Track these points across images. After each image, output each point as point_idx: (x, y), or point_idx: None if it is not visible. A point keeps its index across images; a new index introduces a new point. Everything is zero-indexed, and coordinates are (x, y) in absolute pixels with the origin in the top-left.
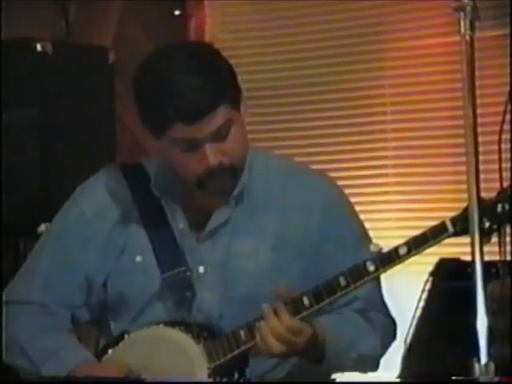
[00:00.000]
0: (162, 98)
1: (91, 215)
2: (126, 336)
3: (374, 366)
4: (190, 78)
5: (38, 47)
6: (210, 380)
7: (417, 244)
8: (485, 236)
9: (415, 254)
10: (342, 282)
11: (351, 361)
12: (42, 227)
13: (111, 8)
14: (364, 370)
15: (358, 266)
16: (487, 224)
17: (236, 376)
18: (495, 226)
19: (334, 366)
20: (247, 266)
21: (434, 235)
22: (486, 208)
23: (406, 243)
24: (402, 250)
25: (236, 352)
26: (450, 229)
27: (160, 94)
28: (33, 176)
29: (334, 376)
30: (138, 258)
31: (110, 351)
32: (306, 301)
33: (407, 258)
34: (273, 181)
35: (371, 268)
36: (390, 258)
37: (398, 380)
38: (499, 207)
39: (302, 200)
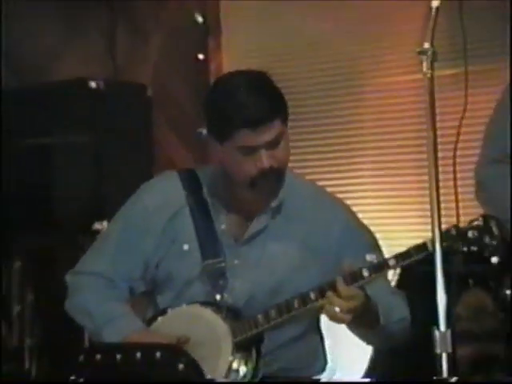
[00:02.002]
0: (231, 109)
1: (152, 210)
2: (168, 310)
3: (407, 330)
4: (253, 94)
5: (93, 85)
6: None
7: (403, 258)
8: (455, 254)
9: (401, 266)
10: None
11: (395, 324)
12: (96, 225)
13: (149, 53)
14: (403, 335)
15: (355, 272)
16: (460, 247)
17: (253, 350)
18: (465, 249)
19: (385, 330)
20: (278, 263)
21: (416, 252)
22: (460, 232)
23: (395, 257)
24: (391, 262)
25: (254, 332)
26: (431, 248)
27: (230, 106)
28: (88, 185)
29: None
30: (185, 247)
31: (155, 323)
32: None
33: (394, 268)
34: (305, 200)
35: (365, 274)
36: (381, 267)
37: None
38: (470, 233)
39: (327, 219)
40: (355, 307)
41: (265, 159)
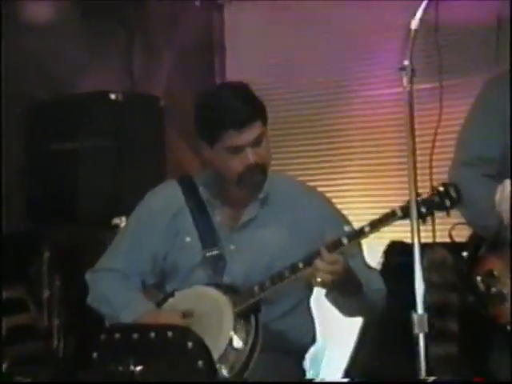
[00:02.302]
0: (219, 114)
1: (156, 212)
2: (176, 293)
3: (384, 299)
4: (237, 101)
5: (112, 96)
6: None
7: (376, 224)
8: (423, 218)
9: (375, 231)
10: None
11: (375, 292)
12: (115, 220)
13: (162, 68)
14: (382, 304)
15: (336, 241)
16: (424, 210)
17: (252, 318)
18: (430, 211)
19: (367, 298)
20: (268, 246)
21: (388, 218)
22: (425, 199)
23: (369, 224)
24: (367, 229)
25: (252, 301)
26: (399, 213)
27: (218, 111)
28: (108, 184)
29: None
30: (187, 239)
31: (165, 303)
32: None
33: (369, 235)
34: (289, 192)
35: (345, 241)
36: (358, 235)
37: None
38: (432, 199)
39: (308, 206)
40: (337, 270)
41: (250, 156)
